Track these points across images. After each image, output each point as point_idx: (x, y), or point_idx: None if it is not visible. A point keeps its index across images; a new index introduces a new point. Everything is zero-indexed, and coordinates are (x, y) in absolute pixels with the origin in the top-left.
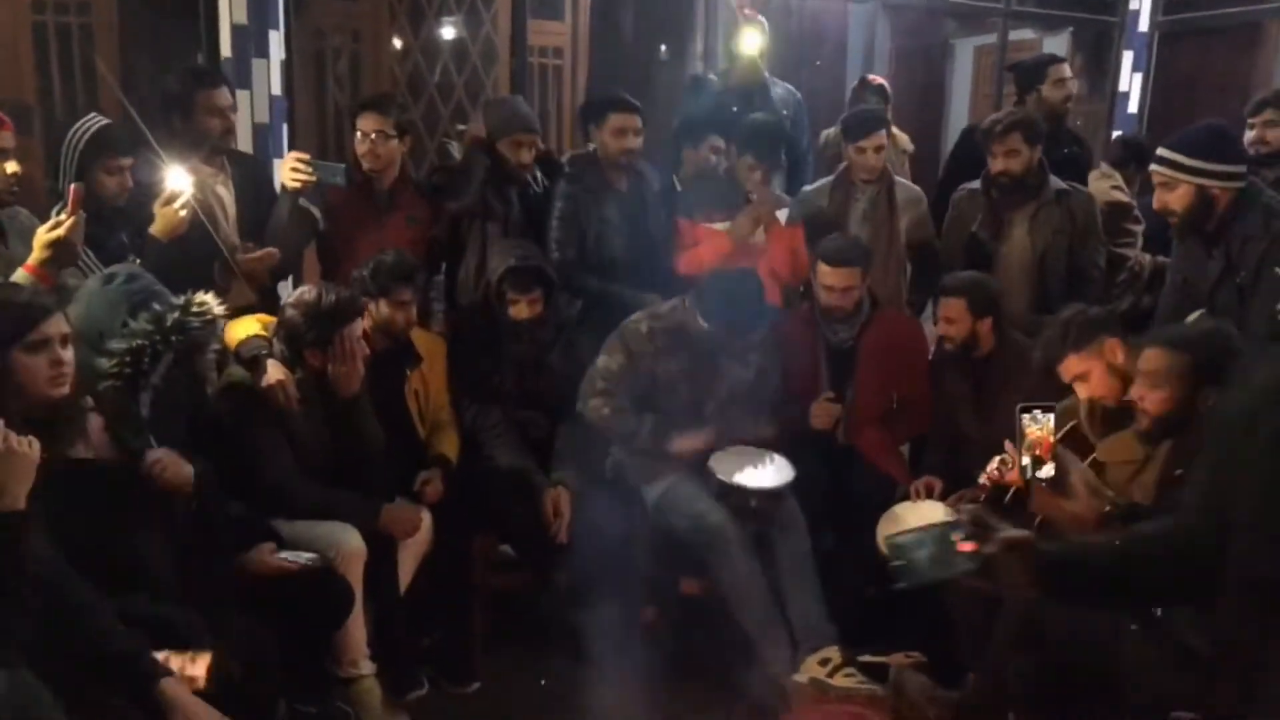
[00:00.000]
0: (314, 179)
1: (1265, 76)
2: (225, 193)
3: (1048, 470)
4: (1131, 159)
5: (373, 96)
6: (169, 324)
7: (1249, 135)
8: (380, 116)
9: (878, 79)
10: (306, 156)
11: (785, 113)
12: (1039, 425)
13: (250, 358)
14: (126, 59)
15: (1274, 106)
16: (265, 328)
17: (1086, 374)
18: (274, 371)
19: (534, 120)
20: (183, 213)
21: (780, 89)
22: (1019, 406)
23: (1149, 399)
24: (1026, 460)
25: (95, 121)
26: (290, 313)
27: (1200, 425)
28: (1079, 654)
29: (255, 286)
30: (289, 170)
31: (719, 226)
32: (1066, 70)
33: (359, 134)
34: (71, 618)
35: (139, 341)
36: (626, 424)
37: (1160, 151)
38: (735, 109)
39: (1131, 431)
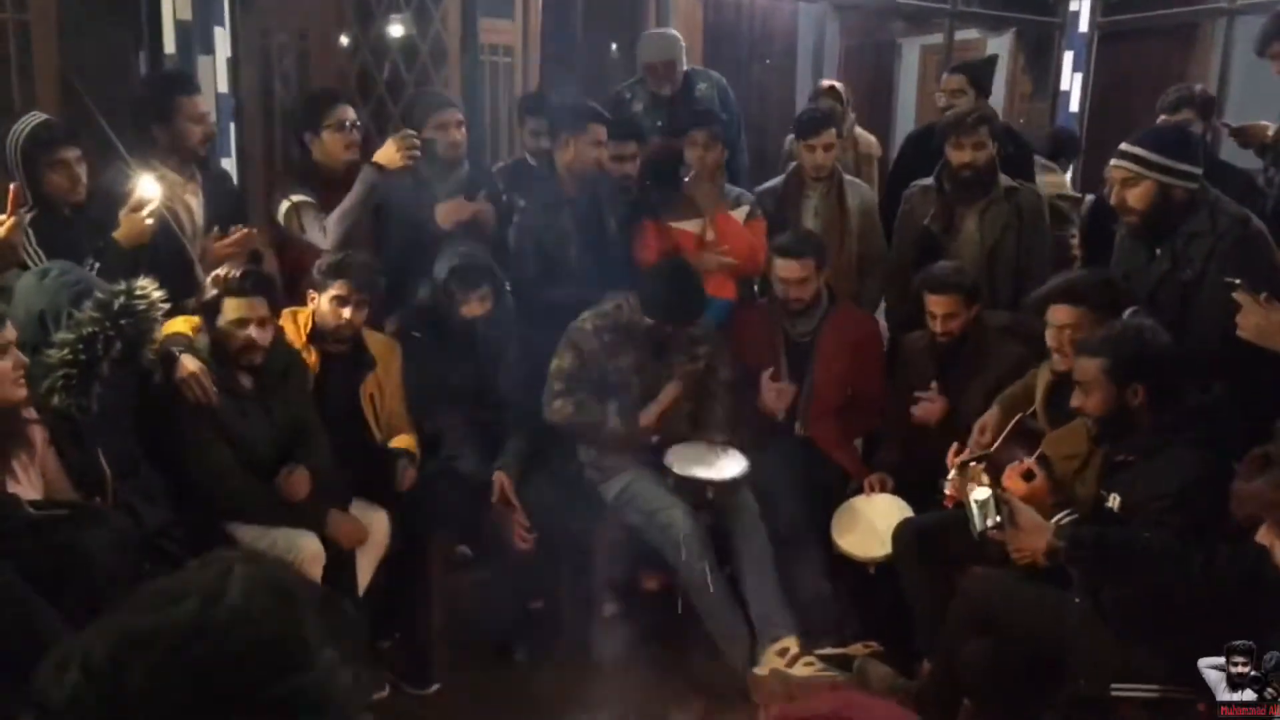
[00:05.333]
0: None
1: (1201, 76)
2: (194, 201)
3: (994, 520)
4: (1061, 153)
5: (334, 89)
6: (116, 308)
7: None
8: (351, 108)
9: (832, 83)
10: (416, 133)
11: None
12: (978, 479)
13: (164, 355)
14: (66, 57)
15: (1193, 107)
16: (194, 329)
17: (1075, 328)
18: (187, 363)
19: (454, 99)
20: (149, 221)
21: (702, 83)
22: (957, 463)
23: (1086, 404)
24: (975, 514)
25: (32, 119)
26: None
27: (1138, 419)
28: (1026, 638)
29: None
30: (403, 147)
31: (686, 226)
32: (955, 82)
33: (337, 125)
34: (32, 638)
35: (89, 329)
36: (592, 414)
37: (1125, 148)
38: (660, 122)
39: (1080, 421)
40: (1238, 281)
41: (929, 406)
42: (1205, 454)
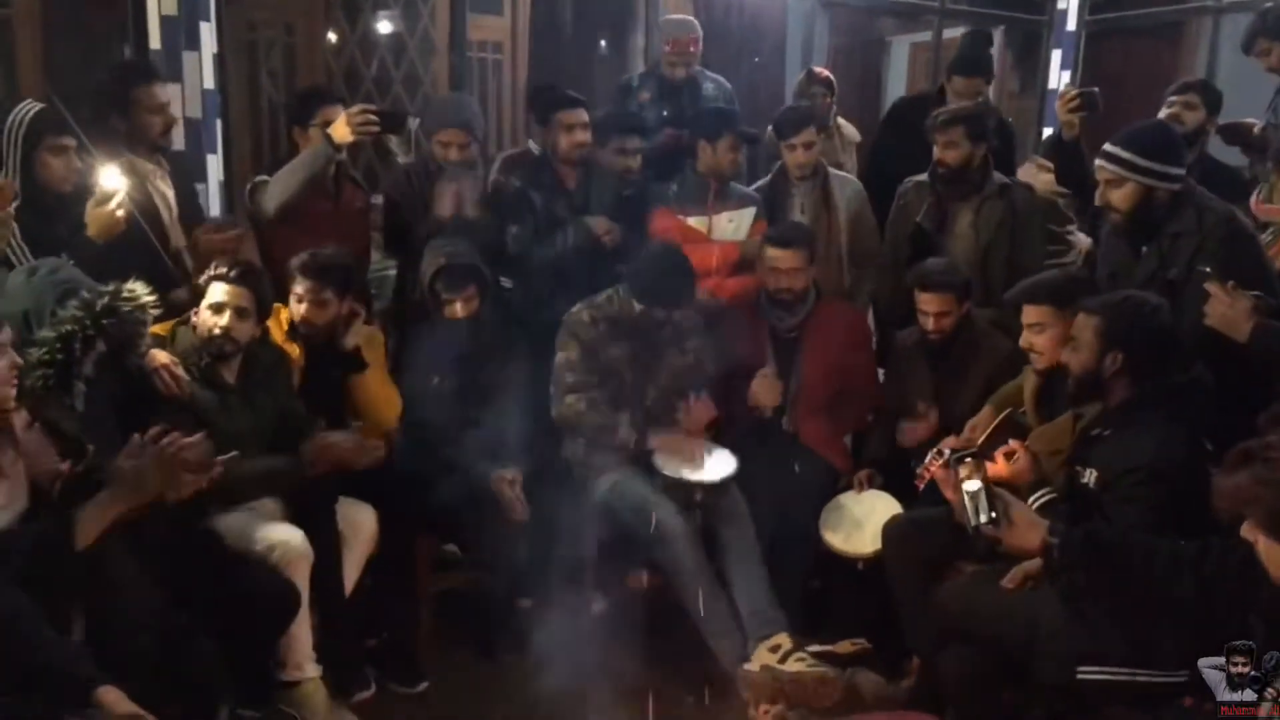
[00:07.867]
0: (378, 131)
1: (1188, 73)
2: (167, 189)
3: (988, 514)
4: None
5: (330, 88)
6: (99, 309)
7: (1164, 113)
8: (341, 105)
9: (823, 72)
10: (374, 108)
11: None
12: (971, 471)
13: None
14: (50, 52)
15: (1198, 92)
16: (167, 330)
17: (1042, 326)
18: (157, 355)
19: (466, 118)
20: (119, 213)
21: (710, 83)
22: (951, 456)
23: (1070, 359)
24: (969, 507)
25: (31, 105)
26: None
27: (1112, 386)
28: (998, 644)
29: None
30: (356, 121)
31: (694, 221)
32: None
33: (326, 125)
34: (3, 628)
35: (69, 327)
36: (604, 415)
37: (1108, 149)
38: (665, 112)
39: (1067, 417)
40: (1207, 270)
41: (915, 430)
42: (1176, 429)
